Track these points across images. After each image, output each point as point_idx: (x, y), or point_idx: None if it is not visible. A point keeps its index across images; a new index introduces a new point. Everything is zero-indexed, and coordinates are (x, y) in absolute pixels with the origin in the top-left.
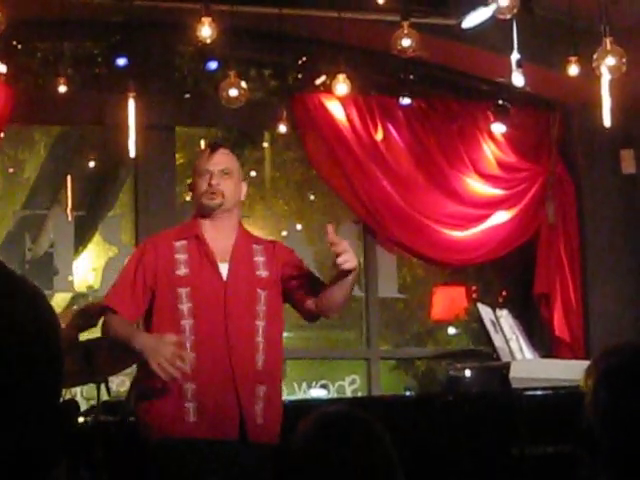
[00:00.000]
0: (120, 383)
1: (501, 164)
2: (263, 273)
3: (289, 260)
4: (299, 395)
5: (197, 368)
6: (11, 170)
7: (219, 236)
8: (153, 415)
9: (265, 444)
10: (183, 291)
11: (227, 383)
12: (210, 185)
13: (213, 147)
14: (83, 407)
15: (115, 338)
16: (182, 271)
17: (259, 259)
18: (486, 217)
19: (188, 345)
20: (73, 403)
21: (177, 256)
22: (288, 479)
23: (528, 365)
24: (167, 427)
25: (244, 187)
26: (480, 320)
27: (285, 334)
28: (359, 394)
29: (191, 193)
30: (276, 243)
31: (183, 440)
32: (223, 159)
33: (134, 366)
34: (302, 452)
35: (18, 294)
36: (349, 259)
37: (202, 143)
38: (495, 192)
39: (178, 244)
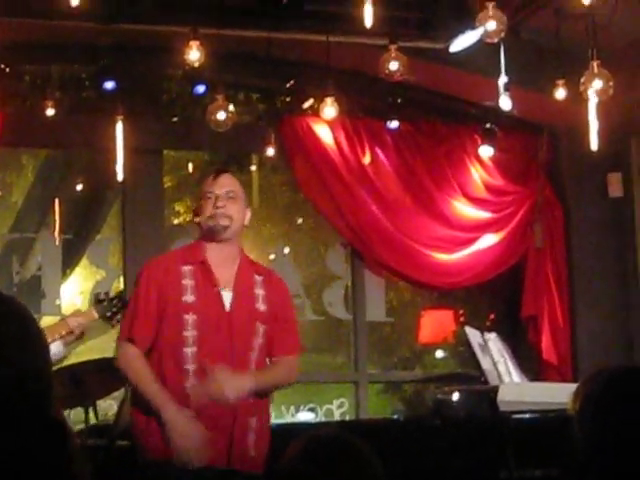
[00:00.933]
0: (108, 407)
1: (489, 187)
2: (262, 307)
3: (284, 310)
4: (287, 418)
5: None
6: None
7: (223, 262)
8: (148, 437)
9: (253, 473)
10: (189, 318)
11: (226, 413)
12: (216, 207)
13: (218, 171)
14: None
15: (138, 388)
16: (189, 297)
17: (259, 292)
18: (474, 240)
19: (190, 371)
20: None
21: (184, 282)
22: None
23: (516, 388)
24: (162, 449)
25: (248, 213)
26: (468, 343)
27: None
28: (347, 417)
29: (196, 218)
30: (274, 277)
31: (174, 467)
32: (228, 182)
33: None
34: (290, 476)
35: (7, 315)
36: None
37: (190, 166)
38: (483, 215)
39: (185, 269)
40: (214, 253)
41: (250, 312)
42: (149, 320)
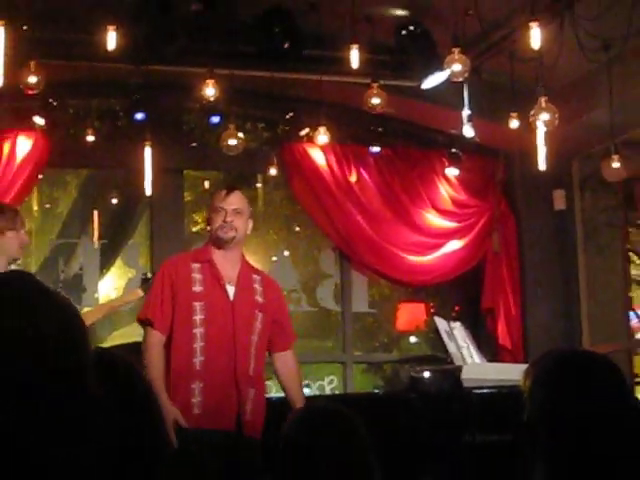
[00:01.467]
0: None
1: (454, 201)
2: (259, 299)
3: (280, 305)
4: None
5: (203, 369)
6: (47, 206)
7: (227, 263)
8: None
9: (252, 439)
10: (197, 305)
11: (230, 384)
12: (225, 222)
13: (229, 189)
14: None
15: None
16: (197, 288)
17: (257, 287)
18: (441, 245)
19: (198, 349)
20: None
21: (193, 275)
22: (278, 465)
23: (477, 368)
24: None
25: (250, 223)
26: (437, 331)
27: None
28: (336, 392)
29: (207, 226)
30: (269, 278)
31: (189, 430)
32: (236, 200)
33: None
34: (291, 440)
35: (53, 306)
36: None
37: (206, 184)
38: (449, 224)
39: (194, 265)
40: (220, 256)
41: (250, 302)
42: (164, 307)
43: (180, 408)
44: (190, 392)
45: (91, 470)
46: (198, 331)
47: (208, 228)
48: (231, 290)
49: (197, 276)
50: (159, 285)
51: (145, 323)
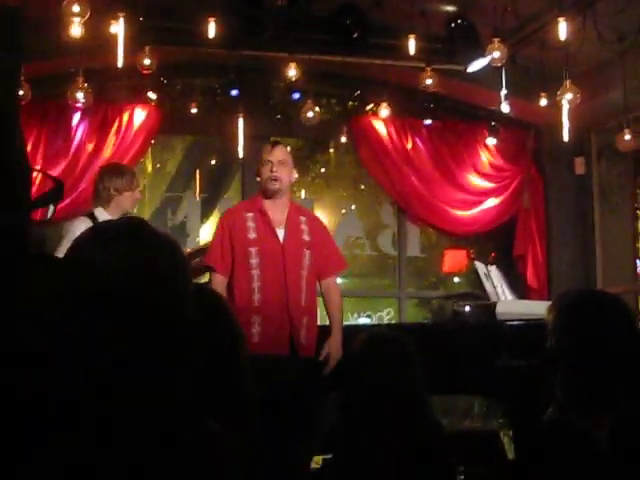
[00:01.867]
0: None
1: (492, 166)
2: (306, 237)
3: (324, 239)
4: (351, 321)
5: (261, 304)
6: (158, 166)
7: (276, 209)
8: None
9: (308, 357)
10: (253, 250)
11: (283, 315)
12: (272, 172)
13: (274, 144)
14: None
15: None
16: (252, 235)
17: (304, 227)
18: (481, 202)
19: (255, 288)
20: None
21: (248, 224)
22: (347, 379)
23: (509, 304)
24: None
25: (295, 173)
26: (476, 272)
27: (341, 280)
28: (392, 322)
29: (257, 177)
30: (314, 216)
31: (250, 356)
32: (280, 153)
33: None
34: (358, 357)
35: (163, 244)
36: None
37: (288, 148)
38: (487, 185)
39: (248, 215)
40: (269, 204)
41: (298, 242)
42: (224, 254)
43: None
44: (250, 324)
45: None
46: (255, 272)
47: (258, 179)
48: (281, 233)
49: (251, 224)
50: (219, 235)
51: (209, 268)
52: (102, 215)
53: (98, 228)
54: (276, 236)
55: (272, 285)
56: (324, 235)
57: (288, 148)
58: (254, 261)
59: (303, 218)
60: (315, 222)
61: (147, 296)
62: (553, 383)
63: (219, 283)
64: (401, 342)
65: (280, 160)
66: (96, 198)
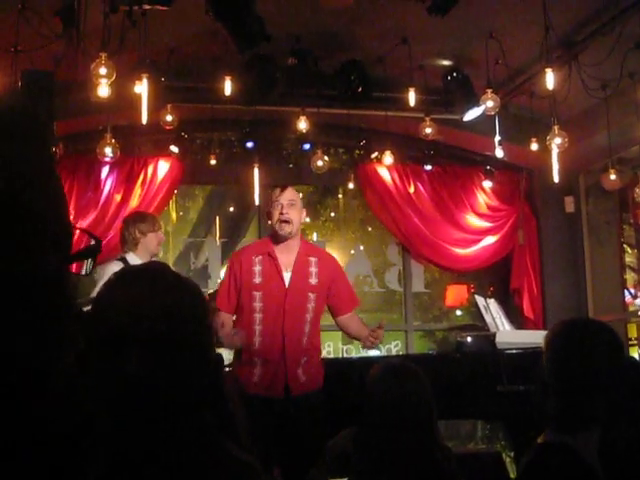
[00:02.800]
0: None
1: (488, 206)
2: (313, 280)
3: (337, 277)
4: (362, 354)
5: (261, 347)
6: (181, 214)
7: (286, 250)
8: (239, 376)
9: (305, 394)
10: (257, 294)
11: (280, 358)
12: (282, 214)
13: (283, 187)
14: None
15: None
16: (257, 279)
17: (312, 270)
18: (479, 240)
19: (257, 330)
20: (220, 356)
21: (254, 268)
22: (366, 407)
23: (508, 334)
24: (245, 384)
25: (304, 213)
26: (476, 305)
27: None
28: (401, 353)
29: (268, 220)
30: (326, 255)
31: (251, 395)
32: (289, 194)
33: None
34: (376, 385)
35: (186, 289)
36: (374, 344)
37: (300, 195)
38: (485, 224)
39: (256, 259)
40: (279, 246)
41: (304, 286)
42: (230, 296)
43: (246, 375)
44: (253, 364)
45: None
46: (257, 316)
47: (269, 222)
48: (287, 277)
49: (257, 268)
50: (226, 276)
51: (217, 309)
52: (132, 259)
53: (123, 272)
54: (282, 280)
55: (271, 328)
56: (337, 274)
57: (300, 195)
58: (257, 305)
59: (313, 259)
60: (327, 262)
61: (173, 332)
62: (544, 406)
63: (225, 320)
64: (413, 369)
65: (290, 201)
66: (124, 244)
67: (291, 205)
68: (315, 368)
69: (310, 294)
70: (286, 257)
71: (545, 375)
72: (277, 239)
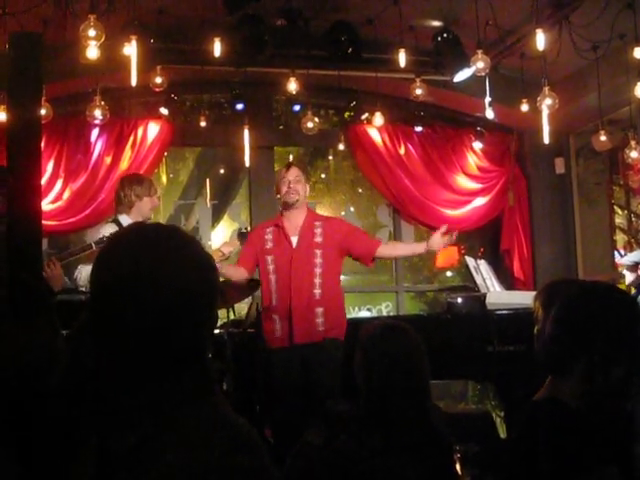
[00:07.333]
0: (241, 308)
1: (479, 168)
2: (319, 239)
3: (347, 232)
4: (353, 315)
5: (277, 303)
6: (171, 175)
7: (294, 220)
8: (263, 332)
9: (322, 342)
10: (269, 257)
11: (289, 312)
12: (289, 187)
13: (288, 166)
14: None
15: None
16: (269, 245)
17: (317, 230)
18: (470, 202)
19: (272, 290)
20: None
21: (266, 237)
22: (357, 364)
23: (497, 295)
24: (268, 339)
25: (307, 188)
26: (467, 267)
27: (343, 277)
28: (392, 314)
29: (277, 194)
30: (330, 220)
31: (275, 348)
32: (295, 172)
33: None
34: (370, 343)
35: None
36: (439, 246)
37: (291, 157)
38: (475, 185)
39: (268, 229)
40: (288, 216)
41: (309, 244)
42: (248, 258)
43: (268, 330)
44: (273, 320)
45: None
46: (272, 277)
47: (278, 196)
48: (295, 240)
49: (269, 237)
50: (245, 245)
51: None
52: (125, 220)
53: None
54: (290, 243)
55: (283, 286)
56: (346, 228)
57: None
58: (270, 267)
59: (318, 223)
60: (331, 222)
61: (191, 283)
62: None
63: (238, 268)
64: (405, 328)
65: (295, 177)
66: (118, 205)
67: (297, 181)
68: (333, 317)
69: (316, 250)
70: (294, 224)
71: (536, 332)
72: (286, 209)
